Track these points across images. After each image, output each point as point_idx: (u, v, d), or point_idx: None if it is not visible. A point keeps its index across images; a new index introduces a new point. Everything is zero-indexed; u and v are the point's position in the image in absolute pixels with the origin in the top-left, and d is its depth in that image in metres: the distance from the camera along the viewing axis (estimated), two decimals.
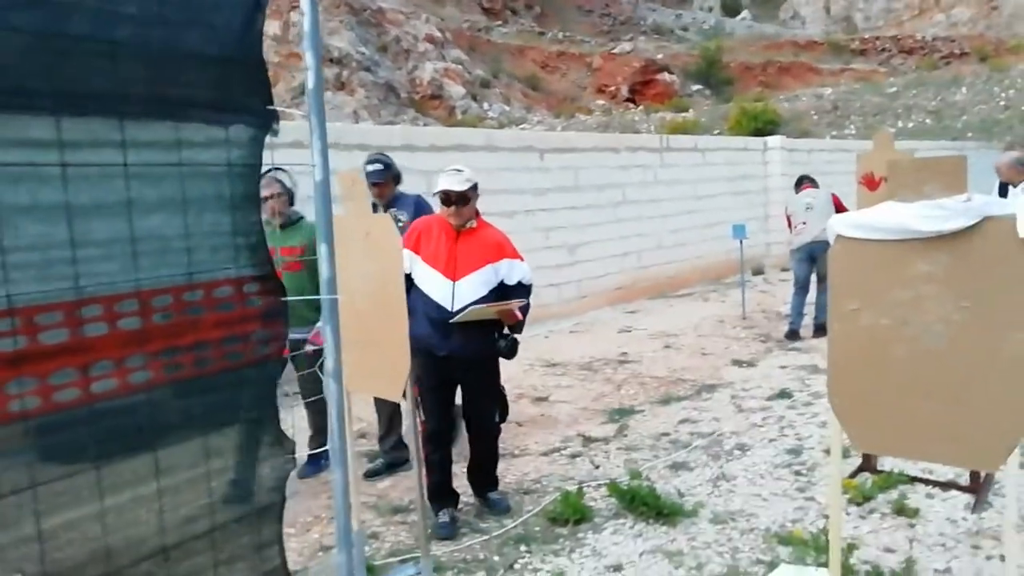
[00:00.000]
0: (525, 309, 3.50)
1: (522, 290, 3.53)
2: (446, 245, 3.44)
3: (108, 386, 1.60)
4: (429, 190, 7.70)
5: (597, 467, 4.33)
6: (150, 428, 1.71)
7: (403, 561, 3.28)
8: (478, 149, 8.31)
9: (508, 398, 3.87)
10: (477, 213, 3.54)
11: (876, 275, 2.12)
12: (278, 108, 1.86)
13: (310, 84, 1.96)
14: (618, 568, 3.15)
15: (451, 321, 3.33)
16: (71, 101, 1.52)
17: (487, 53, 37.42)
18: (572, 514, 3.55)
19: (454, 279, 3.40)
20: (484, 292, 3.42)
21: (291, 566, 2.71)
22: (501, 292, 3.48)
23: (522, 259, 3.58)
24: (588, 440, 4.76)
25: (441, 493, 3.63)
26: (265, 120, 1.83)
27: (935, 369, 2.05)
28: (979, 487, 3.55)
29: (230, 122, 1.82)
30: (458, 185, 3.37)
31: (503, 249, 3.51)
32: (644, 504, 3.57)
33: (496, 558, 3.30)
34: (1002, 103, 27.42)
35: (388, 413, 4.36)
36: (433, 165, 7.84)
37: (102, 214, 1.64)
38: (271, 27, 23.00)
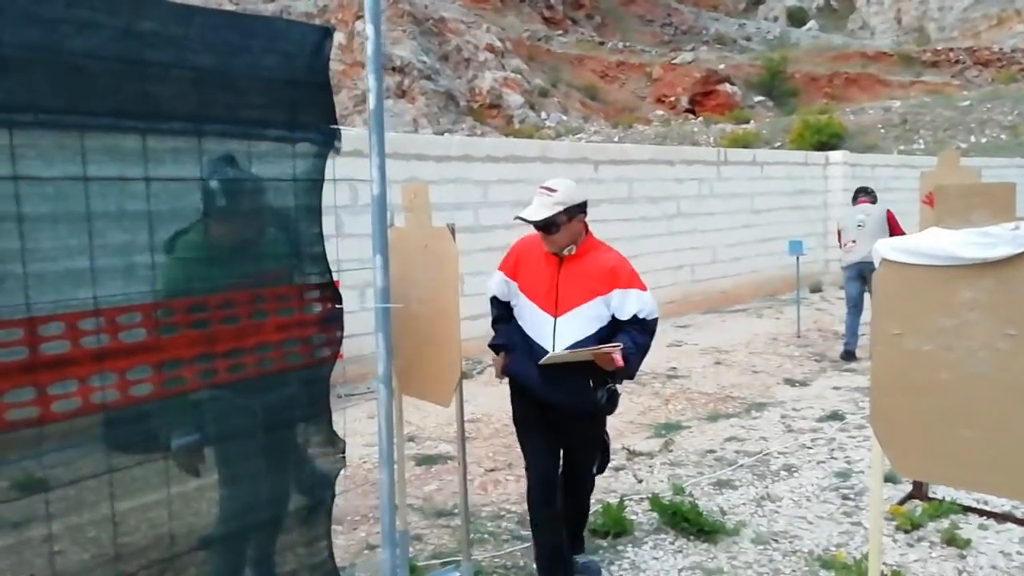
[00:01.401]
0: (637, 352, 2.79)
1: (639, 325, 2.83)
2: (547, 272, 2.87)
3: (176, 383, 1.74)
4: (486, 200, 7.88)
5: (640, 481, 4.35)
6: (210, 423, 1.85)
7: (445, 564, 3.37)
8: (533, 160, 8.41)
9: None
10: (586, 230, 2.93)
11: (919, 300, 2.12)
12: (340, 127, 1.99)
13: (371, 104, 2.08)
14: None
15: (539, 363, 2.77)
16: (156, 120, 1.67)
17: (546, 62, 37.63)
18: (613, 527, 3.58)
19: (555, 314, 2.83)
20: (593, 330, 2.81)
21: (338, 563, 2.84)
22: (614, 328, 2.84)
23: (643, 287, 2.87)
24: (632, 454, 4.78)
25: (553, 563, 2.96)
26: (328, 138, 1.96)
27: (979, 396, 2.04)
28: None
29: (298, 139, 1.96)
30: (536, 214, 2.78)
31: (616, 277, 2.82)
32: (686, 520, 3.58)
33: (535, 566, 3.36)
34: None
35: None
36: (490, 175, 7.99)
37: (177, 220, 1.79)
38: (336, 37, 23.67)
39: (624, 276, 2.83)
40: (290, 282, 1.94)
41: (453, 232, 2.74)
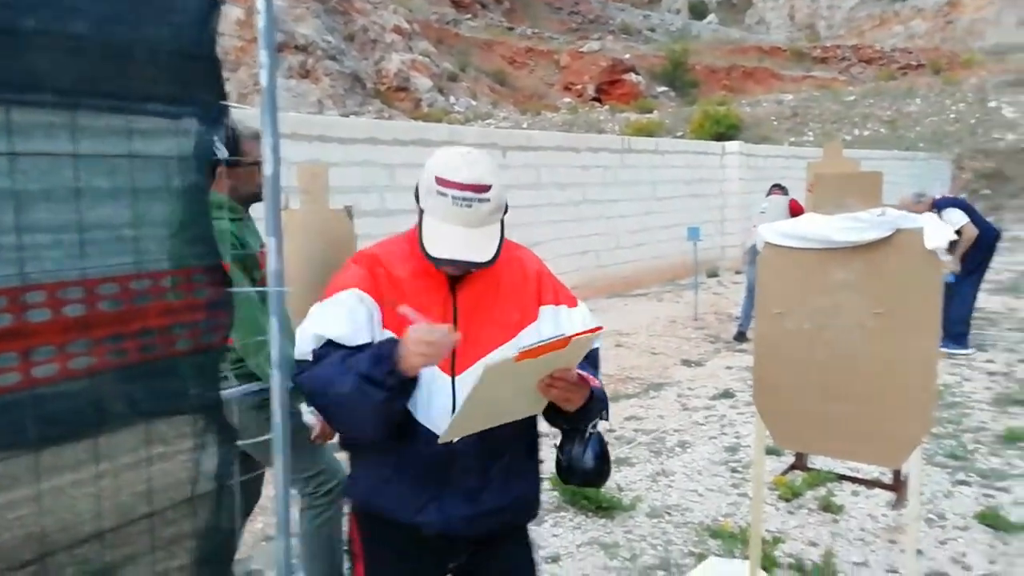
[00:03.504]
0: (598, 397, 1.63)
1: (591, 360, 1.71)
2: (433, 302, 1.62)
3: (48, 371, 1.64)
4: (393, 183, 7.76)
5: (542, 461, 4.43)
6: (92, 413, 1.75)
7: None
8: (441, 144, 8.32)
9: None
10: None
11: (799, 282, 2.26)
12: (238, 105, 1.91)
13: (264, 81, 2.00)
14: (555, 559, 3.26)
15: (440, 441, 1.50)
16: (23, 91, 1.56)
17: (455, 46, 37.32)
18: None
19: (454, 372, 1.60)
20: None
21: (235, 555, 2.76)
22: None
23: (574, 300, 1.76)
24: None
25: None
26: (216, 114, 1.88)
27: (849, 371, 2.19)
28: (900, 485, 3.74)
29: (183, 115, 1.86)
30: (484, 249, 1.55)
31: (542, 287, 1.72)
32: (585, 498, 3.68)
33: None
34: (952, 116, 28.35)
35: None
36: (397, 159, 7.87)
37: (50, 201, 1.67)
38: (234, 12, 22.62)
39: (550, 285, 1.74)
40: (173, 265, 1.85)
41: (351, 214, 2.70)
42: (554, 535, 3.46)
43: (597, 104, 36.44)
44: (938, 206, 6.74)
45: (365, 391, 1.48)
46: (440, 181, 1.54)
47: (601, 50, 42.57)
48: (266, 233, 2.01)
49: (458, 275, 1.63)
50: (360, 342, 1.59)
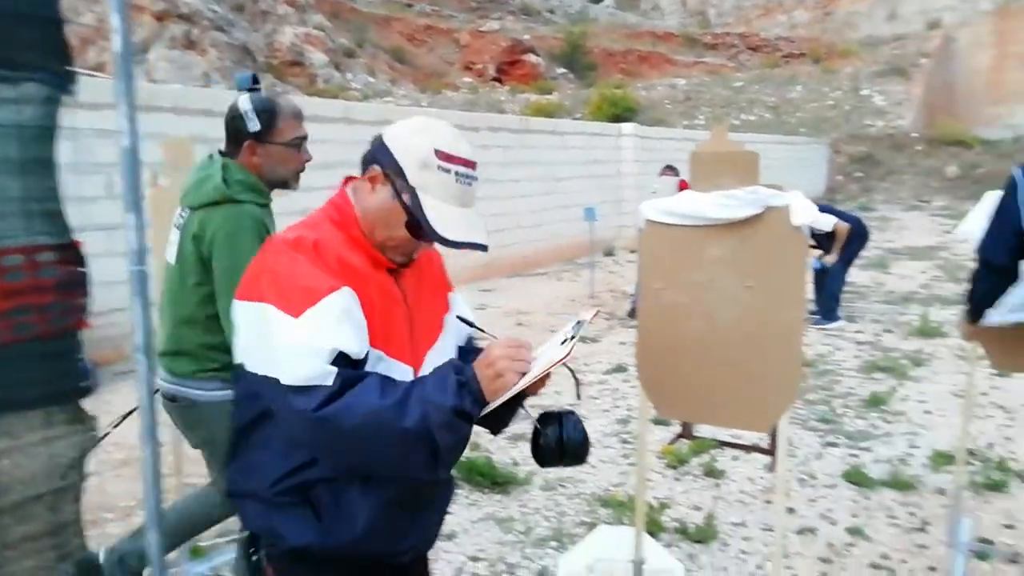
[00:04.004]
0: None
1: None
2: (390, 295, 1.44)
3: None
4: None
5: None
6: None
7: (232, 542, 3.22)
8: (336, 121, 8.12)
9: None
10: None
11: (678, 257, 2.33)
12: (92, 73, 1.76)
13: (117, 46, 1.86)
14: (451, 536, 3.26)
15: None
16: None
17: (351, 21, 36.25)
18: None
19: (417, 363, 1.46)
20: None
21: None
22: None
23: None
24: None
25: None
26: (61, 81, 1.73)
27: (724, 343, 2.28)
28: (775, 449, 3.97)
29: (21, 80, 1.70)
30: (482, 230, 1.47)
31: (444, 275, 1.71)
32: (480, 475, 3.71)
33: None
34: (830, 103, 30.12)
35: None
36: None
37: None
38: None
39: (444, 270, 1.72)
40: (15, 243, 1.70)
41: None
42: (449, 513, 3.46)
43: (498, 84, 36.41)
44: None
45: (451, 425, 1.24)
46: (442, 156, 1.36)
47: (501, 30, 42.48)
48: (125, 209, 1.88)
49: (402, 263, 1.47)
50: (363, 354, 1.33)
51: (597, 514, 3.47)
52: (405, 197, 1.36)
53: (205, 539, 3.23)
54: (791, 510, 3.53)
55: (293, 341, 1.25)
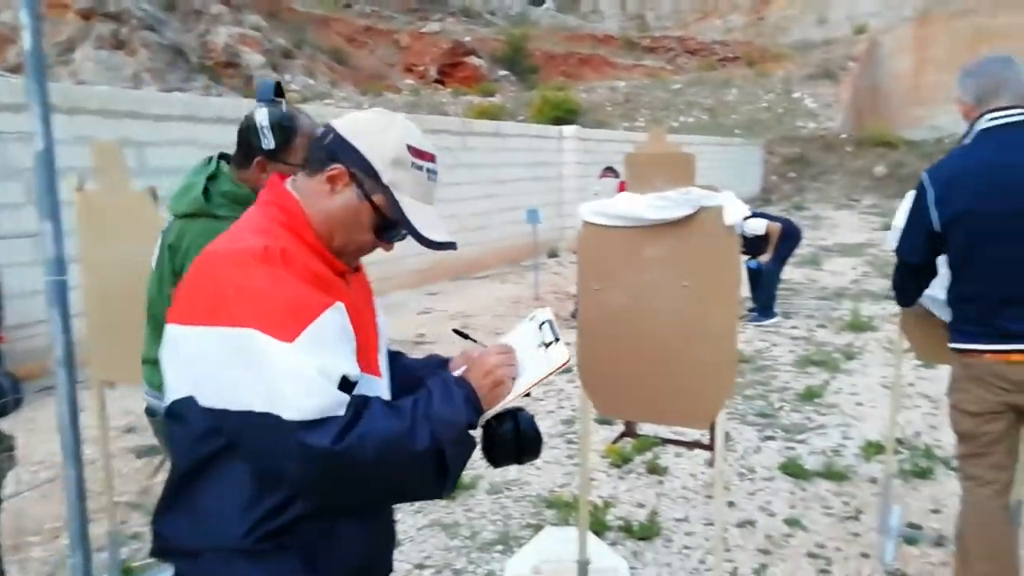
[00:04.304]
0: None
1: None
2: (350, 305, 1.33)
3: None
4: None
5: None
6: None
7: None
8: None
9: None
10: None
11: (615, 258, 2.35)
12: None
13: (27, 45, 1.78)
14: (397, 545, 3.22)
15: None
16: None
17: (289, 21, 35.55)
18: None
19: (380, 373, 1.41)
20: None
21: (36, 575, 2.48)
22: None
23: None
24: None
25: None
26: None
27: (662, 342, 2.31)
28: (714, 444, 4.05)
29: None
30: (444, 229, 1.43)
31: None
32: None
33: None
34: (764, 105, 31.01)
35: None
36: (223, 138, 7.33)
37: None
38: None
39: None
40: None
41: (155, 197, 2.48)
42: (396, 520, 3.42)
43: (440, 86, 36.27)
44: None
45: (463, 440, 1.21)
46: (414, 152, 1.30)
47: (442, 32, 42.35)
48: (40, 216, 1.80)
49: (355, 268, 1.39)
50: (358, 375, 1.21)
51: (543, 516, 3.48)
52: (377, 198, 1.27)
53: (138, 559, 3.12)
54: (731, 504, 3.61)
55: (294, 369, 1.09)
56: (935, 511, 3.51)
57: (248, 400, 1.10)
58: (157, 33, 26.01)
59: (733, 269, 2.25)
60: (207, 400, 1.14)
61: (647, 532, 3.29)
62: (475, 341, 1.57)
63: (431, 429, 1.15)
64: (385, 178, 1.27)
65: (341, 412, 1.10)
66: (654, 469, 3.94)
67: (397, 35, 41.13)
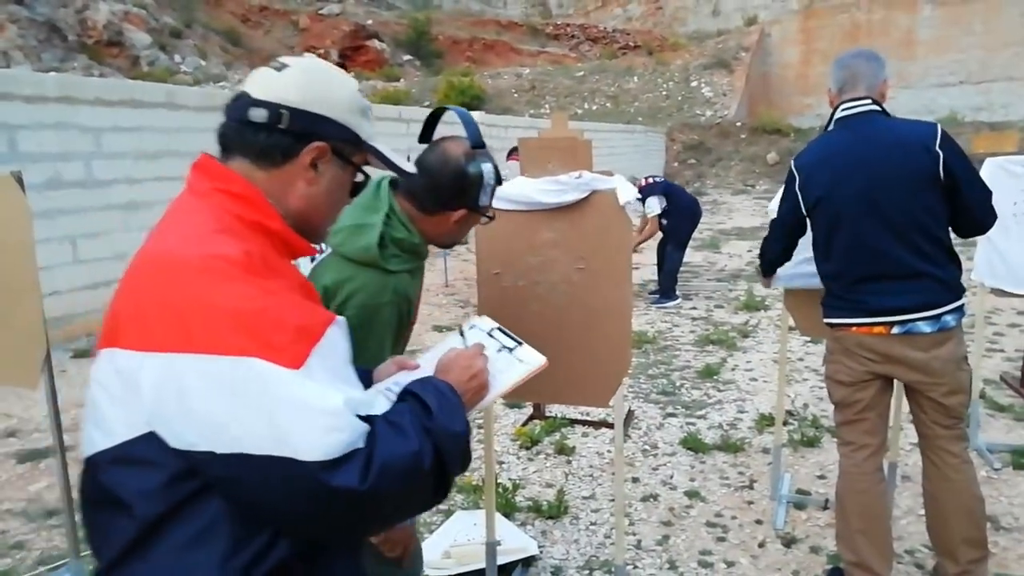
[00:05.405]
0: None
1: None
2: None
3: None
4: (100, 150, 6.81)
5: None
6: None
7: (53, 569, 2.93)
8: (157, 106, 7.51)
9: None
10: None
11: (512, 242, 2.36)
12: None
13: None
14: None
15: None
16: None
17: (176, 0, 33.76)
18: None
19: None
20: None
21: None
22: None
23: None
24: None
25: None
26: None
27: (560, 324, 2.35)
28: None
29: None
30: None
31: None
32: None
33: None
34: (664, 93, 31.87)
35: None
36: (103, 121, 6.91)
37: None
38: None
39: None
40: None
41: (21, 183, 2.30)
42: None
43: (342, 70, 35.35)
44: (642, 194, 7.60)
45: (464, 451, 1.10)
46: (362, 93, 1.24)
47: (342, 14, 41.24)
48: None
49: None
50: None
51: (453, 500, 3.48)
52: (358, 158, 1.19)
53: (23, 570, 2.92)
54: (635, 479, 3.72)
55: (308, 401, 0.93)
56: (821, 477, 3.74)
57: (244, 441, 0.91)
58: (28, 8, 24.12)
59: (626, 250, 2.30)
60: (179, 441, 0.94)
61: (555, 511, 3.35)
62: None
63: (434, 444, 1.04)
64: (364, 135, 1.18)
65: (362, 444, 0.96)
66: (562, 449, 4.02)
67: (295, 16, 39.79)
